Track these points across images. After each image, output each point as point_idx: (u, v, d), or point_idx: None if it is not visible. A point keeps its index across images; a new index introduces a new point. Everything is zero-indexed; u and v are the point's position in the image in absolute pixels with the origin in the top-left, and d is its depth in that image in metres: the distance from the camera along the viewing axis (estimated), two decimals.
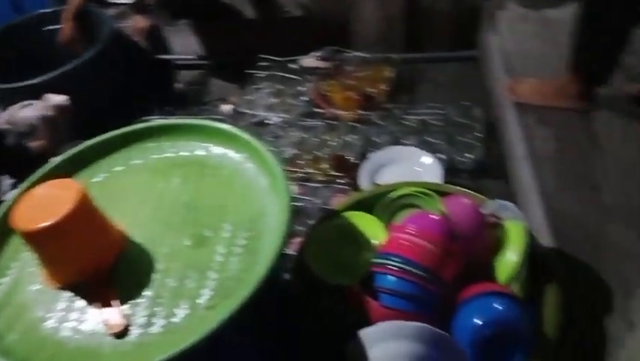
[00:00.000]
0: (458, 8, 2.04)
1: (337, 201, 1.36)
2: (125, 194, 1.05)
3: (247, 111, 1.87)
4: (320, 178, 1.58)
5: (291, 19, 2.21)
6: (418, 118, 1.73)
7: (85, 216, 0.87)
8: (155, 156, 1.13)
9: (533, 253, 1.05)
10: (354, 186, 1.51)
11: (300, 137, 1.71)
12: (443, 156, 1.58)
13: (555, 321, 0.97)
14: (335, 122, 1.75)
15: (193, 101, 2.01)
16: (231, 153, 1.10)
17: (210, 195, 1.03)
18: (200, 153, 1.12)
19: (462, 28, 2.09)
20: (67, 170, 1.06)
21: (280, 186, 0.98)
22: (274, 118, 1.83)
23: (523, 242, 1.04)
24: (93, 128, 1.21)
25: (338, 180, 1.55)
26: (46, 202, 0.85)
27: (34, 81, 1.77)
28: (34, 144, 1.56)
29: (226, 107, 1.96)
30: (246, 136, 1.09)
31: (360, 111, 1.78)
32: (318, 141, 1.69)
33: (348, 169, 1.58)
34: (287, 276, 1.15)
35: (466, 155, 1.60)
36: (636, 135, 1.39)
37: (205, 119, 1.31)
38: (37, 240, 0.84)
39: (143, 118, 1.91)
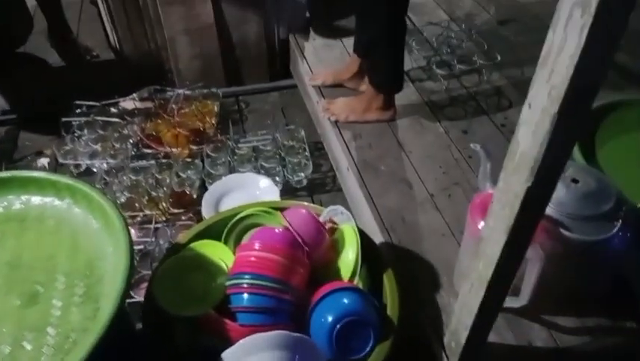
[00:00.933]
0: (268, 42, 2.18)
1: (182, 236, 1.34)
2: None
3: (68, 162, 1.75)
4: (161, 218, 1.54)
5: (102, 62, 2.13)
6: (250, 146, 1.80)
7: None
8: None
9: (367, 248, 1.16)
10: (199, 220, 1.51)
11: (132, 180, 1.65)
12: (278, 178, 1.67)
13: (394, 304, 1.08)
14: (168, 161, 1.73)
15: (4, 159, 1.81)
16: (53, 201, 1.03)
17: (35, 248, 0.96)
18: (17, 206, 1.03)
19: (275, 60, 2.24)
20: None
21: (113, 224, 0.95)
22: (101, 165, 1.73)
23: (356, 241, 1.15)
24: None
25: (181, 217, 1.53)
26: None
27: None
28: None
29: (43, 161, 1.81)
30: (64, 180, 1.03)
31: (192, 146, 1.78)
32: (153, 182, 1.65)
33: (189, 204, 1.57)
34: (138, 320, 1.10)
35: (299, 174, 1.71)
36: (428, 136, 1.64)
37: None
38: None
39: None
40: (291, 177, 1.70)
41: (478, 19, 2.19)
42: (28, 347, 0.80)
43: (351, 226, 1.18)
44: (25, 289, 0.88)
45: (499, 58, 1.84)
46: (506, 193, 0.71)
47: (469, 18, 2.19)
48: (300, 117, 2.01)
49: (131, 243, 0.91)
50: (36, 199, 1.02)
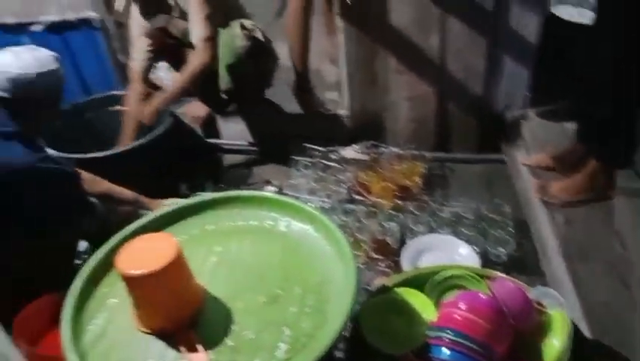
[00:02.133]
0: (482, 115, 2.24)
1: (382, 280, 1.44)
2: (201, 254, 1.15)
3: (291, 193, 2.01)
4: (361, 260, 1.68)
5: (332, 115, 2.42)
6: (452, 211, 1.85)
7: (177, 268, 0.97)
8: (228, 223, 1.25)
9: (574, 341, 1.11)
10: (395, 269, 1.60)
11: (341, 220, 1.83)
12: (477, 248, 1.69)
13: None
14: (374, 209, 1.88)
15: (241, 182, 2.16)
16: (296, 223, 1.22)
17: (280, 259, 1.14)
18: (268, 222, 1.24)
19: (487, 133, 2.29)
20: (153, 228, 1.17)
21: (344, 253, 1.08)
22: (317, 202, 1.96)
23: (566, 330, 1.11)
24: None
25: (379, 263, 1.64)
26: (147, 252, 0.95)
27: (99, 155, 1.96)
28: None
29: (271, 189, 2.10)
30: (310, 209, 1.21)
31: (397, 200, 1.91)
32: (359, 225, 1.80)
33: (388, 253, 1.68)
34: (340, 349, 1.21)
35: (499, 249, 1.70)
36: None
37: None
38: (136, 285, 0.93)
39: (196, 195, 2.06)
40: (490, 250, 1.70)
41: None
42: (267, 338, 0.95)
43: (563, 313, 1.15)
44: (270, 290, 1.05)
45: None
46: None
47: None
48: (505, 192, 2.01)
49: (358, 272, 1.03)
50: (284, 219, 1.22)
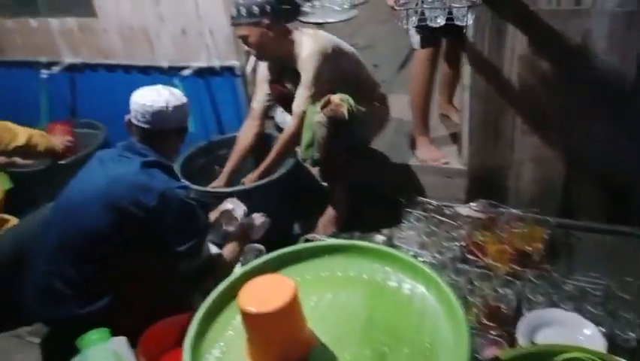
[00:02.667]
0: (614, 184, 2.07)
1: (494, 351, 1.36)
2: (312, 299, 1.18)
3: (401, 245, 2.00)
4: (471, 324, 1.60)
5: (450, 169, 2.39)
6: (576, 284, 1.71)
7: (293, 311, 1.00)
8: (341, 271, 1.27)
9: None
10: (508, 340, 1.51)
11: (451, 279, 1.77)
12: (603, 330, 1.53)
13: None
14: (488, 272, 1.80)
15: (350, 228, 2.20)
16: (409, 281, 1.21)
17: (389, 315, 1.13)
18: (380, 275, 1.24)
19: (619, 203, 2.10)
20: (272, 267, 1.24)
21: (459, 320, 1.04)
22: (427, 257, 1.92)
23: None
24: None
25: (491, 331, 1.56)
26: (266, 291, 1.01)
27: (227, 189, 2.13)
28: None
29: (380, 238, 2.10)
30: (422, 267, 1.20)
31: (514, 266, 1.81)
32: (470, 287, 1.73)
33: (501, 321, 1.59)
34: None
35: (629, 333, 1.53)
36: None
37: None
38: (253, 322, 0.99)
39: (307, 237, 2.14)
40: (618, 333, 1.54)
41: None
42: None
43: None
44: (376, 346, 1.04)
45: None
46: None
47: None
48: (637, 269, 1.82)
49: (472, 341, 0.99)
50: (397, 275, 1.22)
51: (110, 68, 2.89)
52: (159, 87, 1.69)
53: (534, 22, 1.91)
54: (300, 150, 2.19)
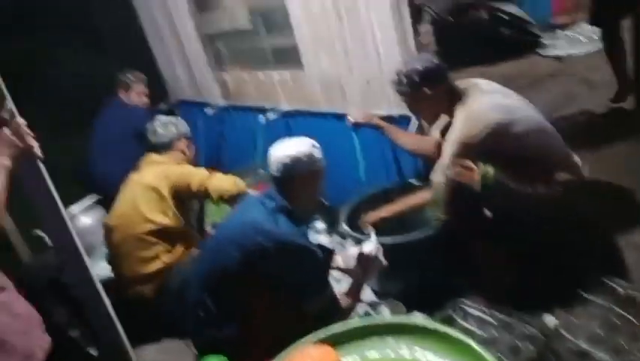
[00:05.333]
0: None
1: None
2: None
3: (567, 335, 1.65)
4: None
5: None
6: None
7: None
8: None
9: None
10: None
11: None
12: None
13: None
14: None
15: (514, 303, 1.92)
16: None
17: None
18: None
19: None
20: (331, 340, 1.20)
21: None
22: (598, 355, 1.54)
23: None
24: None
25: None
26: None
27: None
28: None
29: (550, 320, 1.77)
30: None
31: None
32: None
33: None
34: None
35: None
36: None
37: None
38: None
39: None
40: None
41: None
42: None
43: None
44: None
45: None
46: None
47: None
48: None
49: None
50: None
51: (313, 114, 3.16)
52: (292, 139, 1.83)
53: None
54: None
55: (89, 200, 3.44)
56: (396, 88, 2.10)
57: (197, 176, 2.46)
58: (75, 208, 3.33)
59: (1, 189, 1.47)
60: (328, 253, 1.91)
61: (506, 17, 4.91)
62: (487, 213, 2.12)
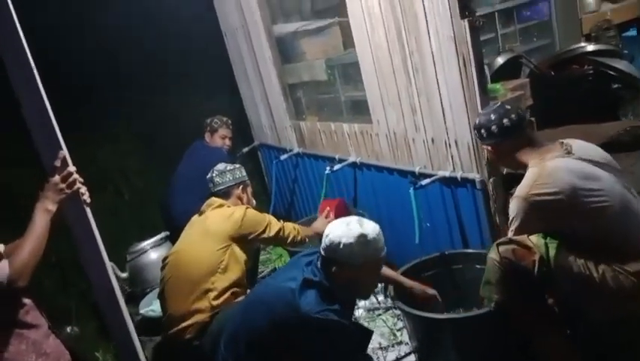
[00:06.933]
0: None
1: None
2: None
3: None
4: None
5: None
6: None
7: None
8: None
9: None
10: None
11: None
12: None
13: None
14: None
15: None
16: None
17: None
18: None
19: None
20: None
21: None
22: None
23: None
24: None
25: None
26: None
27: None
28: None
29: None
30: None
31: None
32: None
33: None
34: None
35: None
36: None
37: None
38: None
39: None
40: None
41: None
42: None
43: None
44: None
45: None
46: None
47: None
48: None
49: None
50: None
51: (379, 168, 3.10)
52: (353, 219, 1.72)
53: None
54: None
55: (162, 234, 3.60)
56: (477, 137, 2.02)
57: (264, 222, 2.52)
58: (147, 243, 3.49)
59: (43, 231, 1.58)
60: (366, 333, 1.76)
61: (614, 73, 4.50)
62: (549, 299, 1.90)
